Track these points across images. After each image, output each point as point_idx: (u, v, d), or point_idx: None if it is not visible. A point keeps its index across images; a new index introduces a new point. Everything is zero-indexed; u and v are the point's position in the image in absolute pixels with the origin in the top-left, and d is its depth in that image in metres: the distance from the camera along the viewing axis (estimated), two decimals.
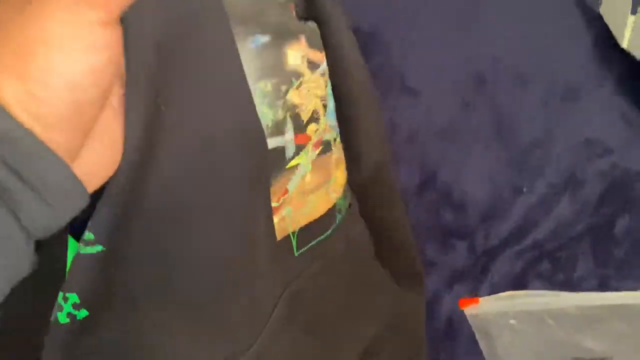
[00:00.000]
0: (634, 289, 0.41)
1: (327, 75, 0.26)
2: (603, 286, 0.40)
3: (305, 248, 0.27)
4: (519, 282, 0.39)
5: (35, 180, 0.18)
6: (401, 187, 0.38)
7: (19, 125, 0.18)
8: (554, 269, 0.41)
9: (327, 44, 0.27)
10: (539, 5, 0.59)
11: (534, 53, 0.55)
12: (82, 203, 0.20)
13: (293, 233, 0.27)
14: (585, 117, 0.50)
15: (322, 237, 0.28)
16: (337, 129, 0.28)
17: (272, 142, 0.24)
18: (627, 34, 0.54)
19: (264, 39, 0.23)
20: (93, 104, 0.20)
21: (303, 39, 0.24)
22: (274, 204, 0.25)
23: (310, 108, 0.25)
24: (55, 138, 0.19)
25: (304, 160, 0.26)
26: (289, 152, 0.25)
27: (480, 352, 0.35)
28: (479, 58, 0.53)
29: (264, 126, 0.23)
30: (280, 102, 0.24)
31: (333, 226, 0.28)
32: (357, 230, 0.31)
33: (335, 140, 0.27)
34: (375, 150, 0.31)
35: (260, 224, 0.25)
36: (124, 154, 0.21)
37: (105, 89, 0.20)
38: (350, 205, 0.30)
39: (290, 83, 0.24)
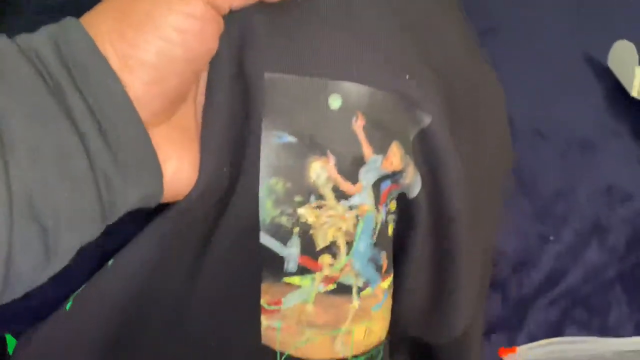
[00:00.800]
0: None
1: (357, 212, 0.23)
2: (639, 330, 0.41)
3: None
4: (555, 330, 0.40)
5: (101, 107, 0.19)
6: None
7: (103, 60, 0.19)
8: (589, 315, 0.42)
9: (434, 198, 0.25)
10: (550, 63, 0.63)
11: (548, 109, 0.57)
12: (155, 181, 0.21)
13: (280, 355, 0.25)
14: (604, 166, 0.52)
15: None
16: (371, 281, 0.25)
17: (266, 240, 0.23)
18: (636, 83, 0.56)
19: (290, 139, 0.22)
20: (176, 66, 0.21)
21: (332, 160, 0.22)
22: (263, 303, 0.24)
23: (329, 237, 0.23)
24: (135, 84, 0.20)
25: (307, 286, 0.24)
26: (290, 266, 0.23)
27: None
28: None
29: (260, 218, 0.23)
30: (288, 209, 0.22)
31: None
32: None
33: (361, 290, 0.24)
34: (461, 310, 0.28)
35: (243, 308, 0.24)
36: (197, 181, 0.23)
37: (191, 60, 0.21)
38: None
39: (307, 198, 0.22)
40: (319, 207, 0.23)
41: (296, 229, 0.23)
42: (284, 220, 0.23)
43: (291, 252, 0.23)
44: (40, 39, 0.19)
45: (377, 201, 0.24)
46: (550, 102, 0.58)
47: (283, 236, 0.23)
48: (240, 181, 0.23)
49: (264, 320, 0.24)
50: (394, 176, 0.24)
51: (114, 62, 0.20)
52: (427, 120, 0.24)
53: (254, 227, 0.23)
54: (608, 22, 0.64)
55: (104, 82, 0.19)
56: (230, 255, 0.24)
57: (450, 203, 0.25)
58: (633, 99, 0.56)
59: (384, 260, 0.25)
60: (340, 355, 0.25)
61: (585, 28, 0.65)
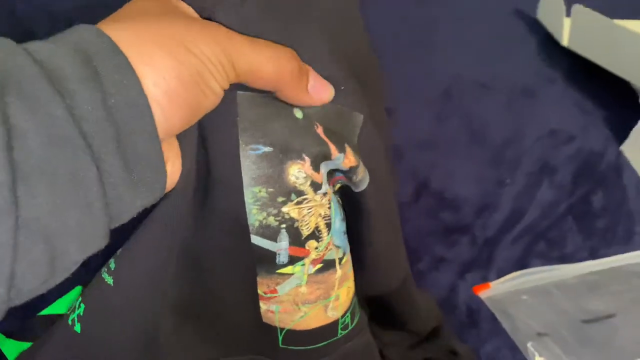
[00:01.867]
0: (620, 252, 0.46)
1: (329, 195, 0.26)
2: (593, 255, 0.45)
3: (293, 348, 0.28)
4: (520, 264, 0.44)
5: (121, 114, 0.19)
6: (399, 198, 0.42)
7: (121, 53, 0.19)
8: (549, 248, 0.45)
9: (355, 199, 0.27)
10: (485, 22, 0.66)
11: (489, 63, 0.60)
12: (161, 191, 0.21)
13: (281, 330, 0.28)
14: (545, 111, 0.56)
15: (313, 347, 0.28)
16: (346, 249, 0.28)
17: (257, 240, 0.25)
18: (565, 33, 0.60)
19: (266, 149, 0.24)
20: (189, 81, 0.20)
21: (308, 161, 0.25)
22: (260, 292, 0.26)
23: (312, 225, 0.25)
24: (154, 99, 0.19)
25: (299, 272, 0.26)
26: (281, 259, 0.25)
27: (503, 330, 0.39)
28: (443, 75, 0.59)
29: (249, 223, 0.25)
30: (273, 211, 0.25)
31: (330, 340, 0.29)
32: (361, 342, 0.30)
33: (341, 260, 0.27)
34: (396, 270, 0.32)
35: (242, 295, 0.27)
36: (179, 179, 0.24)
37: (197, 93, 0.21)
38: (359, 321, 0.30)
39: (289, 197, 0.25)
40: (300, 202, 0.25)
41: (283, 225, 0.25)
42: (271, 220, 0.25)
43: (281, 246, 0.25)
44: (61, 52, 0.18)
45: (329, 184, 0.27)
46: (490, 56, 0.61)
47: (272, 234, 0.25)
48: (225, 192, 0.25)
49: (263, 305, 0.27)
50: (347, 172, 0.27)
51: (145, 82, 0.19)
52: (360, 119, 0.27)
53: (244, 231, 0.25)
54: None
55: (128, 94, 0.19)
56: (225, 255, 0.26)
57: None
58: (563, 47, 0.60)
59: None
60: (333, 319, 0.28)
61: None
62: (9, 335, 0.34)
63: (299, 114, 0.25)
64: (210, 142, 0.24)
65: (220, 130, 0.24)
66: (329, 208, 0.26)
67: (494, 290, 0.41)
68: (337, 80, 0.26)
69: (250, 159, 0.24)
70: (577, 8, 0.57)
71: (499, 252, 0.44)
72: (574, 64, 0.60)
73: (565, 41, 0.60)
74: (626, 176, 0.50)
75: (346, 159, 0.26)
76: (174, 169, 0.23)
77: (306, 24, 0.26)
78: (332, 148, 0.25)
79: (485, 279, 0.42)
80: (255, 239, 0.25)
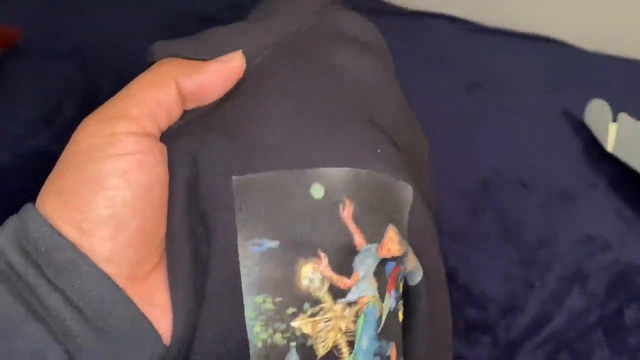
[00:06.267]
0: None
1: (356, 307, 0.20)
2: None
3: None
4: None
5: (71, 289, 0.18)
6: None
7: (57, 233, 0.19)
8: (573, 359, 0.44)
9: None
10: (531, 119, 0.66)
11: (530, 161, 0.61)
12: (155, 343, 0.19)
13: None
14: (583, 216, 0.55)
15: None
16: None
17: None
18: (610, 139, 0.60)
19: (271, 244, 0.19)
20: (131, 208, 0.19)
21: (324, 259, 0.19)
22: None
23: (329, 343, 0.20)
24: (98, 245, 0.19)
25: None
26: None
27: None
28: (483, 167, 0.60)
29: (250, 345, 0.19)
30: (281, 326, 0.19)
31: None
32: None
33: None
34: None
35: None
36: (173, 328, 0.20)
37: (144, 196, 0.20)
38: None
39: (300, 308, 0.19)
40: (314, 314, 0.20)
41: (293, 344, 0.20)
42: (277, 339, 0.19)
43: None
44: (4, 237, 0.19)
45: (383, 287, 0.21)
46: (532, 154, 0.62)
47: (278, 356, 0.20)
48: (220, 304, 0.20)
49: None
50: (396, 260, 0.21)
51: (72, 234, 0.19)
52: (410, 193, 0.22)
53: (245, 355, 0.20)
54: (583, 80, 0.68)
55: (72, 264, 0.19)
56: None
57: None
58: (609, 153, 0.60)
59: (392, 351, 0.22)
60: None
61: (561, 85, 0.69)
62: None
63: (318, 191, 0.20)
64: (212, 241, 0.20)
65: (217, 228, 0.20)
66: (354, 322, 0.20)
67: None
68: (370, 137, 0.21)
69: (252, 258, 0.19)
70: (622, 116, 0.57)
71: (520, 356, 0.43)
72: (619, 172, 0.60)
73: (610, 147, 0.60)
74: None
75: (383, 249, 0.21)
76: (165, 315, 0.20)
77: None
78: (357, 237, 0.20)
79: None
80: None
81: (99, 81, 0.66)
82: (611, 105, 0.60)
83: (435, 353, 0.24)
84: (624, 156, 0.58)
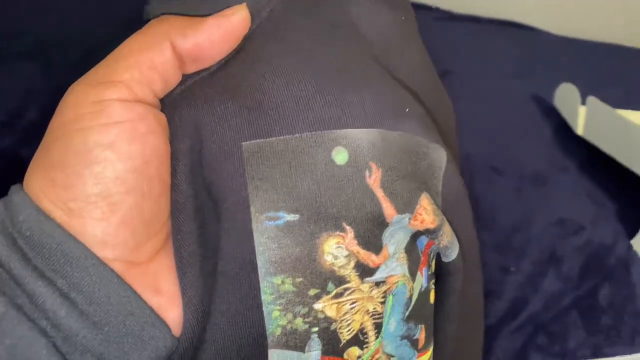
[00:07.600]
0: (624, 353, 0.45)
1: (385, 287, 0.18)
2: (596, 353, 0.44)
3: None
4: (520, 356, 0.43)
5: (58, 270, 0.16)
6: None
7: (43, 215, 0.17)
8: (550, 341, 0.44)
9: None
10: (502, 104, 0.67)
11: (502, 146, 0.61)
12: (161, 334, 0.17)
13: None
14: (556, 199, 0.56)
15: None
16: None
17: (277, 355, 0.17)
18: (580, 122, 0.61)
19: (290, 217, 0.17)
20: (125, 182, 0.17)
21: (350, 232, 0.17)
22: None
23: (355, 327, 0.18)
24: (89, 226, 0.17)
25: None
26: None
27: None
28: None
29: (267, 332, 0.17)
30: (302, 310, 0.17)
31: None
32: None
33: None
34: None
35: None
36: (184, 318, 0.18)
37: (139, 168, 0.18)
38: None
39: (324, 288, 0.17)
40: (339, 294, 0.18)
41: (315, 329, 0.17)
42: (298, 324, 0.17)
43: (310, 358, 0.18)
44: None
45: (415, 264, 0.19)
46: (504, 140, 0.62)
47: (299, 342, 0.17)
48: (233, 287, 0.18)
49: None
50: (429, 233, 0.19)
51: (59, 215, 0.17)
52: (444, 156, 0.19)
53: (260, 344, 0.18)
54: (553, 64, 0.69)
55: (60, 249, 0.16)
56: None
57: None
58: (578, 136, 0.61)
59: (422, 334, 0.20)
60: None
61: (531, 70, 0.70)
62: None
63: (341, 156, 0.17)
64: (222, 218, 0.18)
65: (227, 201, 0.17)
66: (382, 303, 0.18)
67: None
68: (401, 98, 0.18)
69: (268, 234, 0.17)
70: (591, 100, 0.57)
71: (499, 341, 0.43)
72: (589, 154, 0.60)
73: (580, 130, 0.61)
74: (635, 272, 0.50)
75: (416, 220, 0.18)
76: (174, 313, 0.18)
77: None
78: (387, 206, 0.17)
79: None
80: (275, 354, 0.17)
81: (63, 80, 0.64)
82: (580, 88, 0.60)
83: (466, 336, 0.22)
84: (593, 139, 0.59)
